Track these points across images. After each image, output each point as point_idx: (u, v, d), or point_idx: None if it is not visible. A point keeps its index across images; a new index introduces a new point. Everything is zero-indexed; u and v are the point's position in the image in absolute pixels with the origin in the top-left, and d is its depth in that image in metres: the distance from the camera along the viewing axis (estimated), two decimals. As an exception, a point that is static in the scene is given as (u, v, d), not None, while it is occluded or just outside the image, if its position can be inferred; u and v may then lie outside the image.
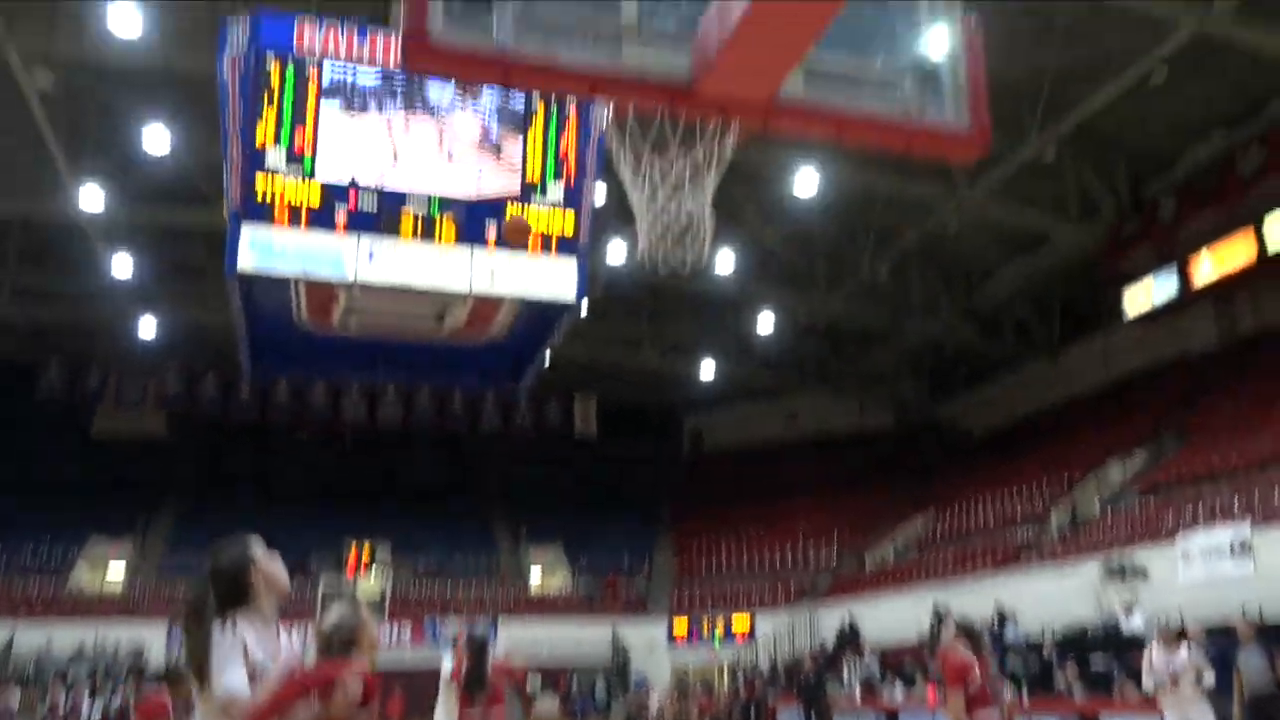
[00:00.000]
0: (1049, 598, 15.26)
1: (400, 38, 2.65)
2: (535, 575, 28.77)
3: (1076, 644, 12.80)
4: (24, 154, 15.77)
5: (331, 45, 7.96)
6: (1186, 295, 17.99)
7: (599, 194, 10.30)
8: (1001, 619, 15.31)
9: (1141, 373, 21.89)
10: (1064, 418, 23.04)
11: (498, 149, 8.58)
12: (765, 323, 24.03)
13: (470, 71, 2.71)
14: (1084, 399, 23.16)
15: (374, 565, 25.61)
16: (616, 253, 18.66)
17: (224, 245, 8.31)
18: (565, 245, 8.89)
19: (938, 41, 3.28)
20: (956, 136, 3.33)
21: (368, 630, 2.87)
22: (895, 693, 15.08)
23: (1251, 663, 7.21)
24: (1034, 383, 24.93)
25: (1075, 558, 15.97)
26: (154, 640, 20.90)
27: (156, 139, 15.20)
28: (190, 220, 18.17)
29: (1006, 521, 20.03)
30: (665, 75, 2.89)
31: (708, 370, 26.77)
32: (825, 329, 26.18)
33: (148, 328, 22.88)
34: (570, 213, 8.61)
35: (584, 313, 9.79)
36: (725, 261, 19.93)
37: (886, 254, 20.34)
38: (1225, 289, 18.12)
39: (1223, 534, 13.24)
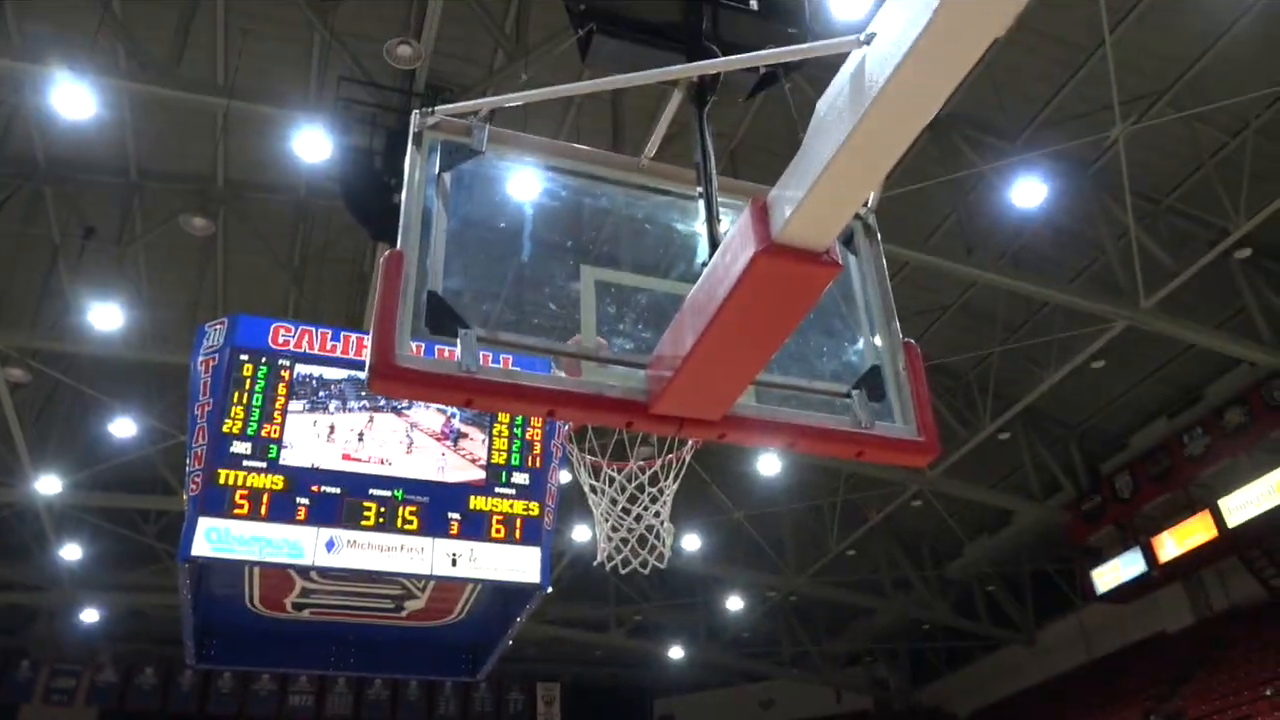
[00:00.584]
0: None
1: (367, 363, 2.76)
2: None
3: None
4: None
5: (304, 345, 8.25)
6: (1155, 574, 18.06)
7: (564, 476, 10.40)
8: None
9: (1121, 652, 21.42)
10: (1048, 699, 22.20)
11: (462, 441, 8.71)
12: (735, 603, 23.56)
13: (434, 395, 2.79)
14: (1066, 679, 22.46)
15: None
16: (581, 533, 18.50)
17: (176, 530, 8.18)
18: (530, 533, 8.81)
19: (881, 360, 3.47)
20: (906, 445, 3.44)
21: None
22: None
23: None
24: (1015, 662, 24.22)
25: None
26: None
27: (122, 428, 15.34)
28: (145, 505, 17.99)
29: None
30: (621, 396, 3.00)
31: (677, 653, 25.83)
32: (796, 609, 25.64)
33: (88, 615, 21.95)
34: (535, 503, 8.58)
35: (548, 590, 9.50)
36: (691, 541, 19.80)
37: (853, 531, 20.34)
38: (1192, 568, 18.26)
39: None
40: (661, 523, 3.47)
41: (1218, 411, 16.47)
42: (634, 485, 3.28)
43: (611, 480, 3.28)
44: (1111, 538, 18.80)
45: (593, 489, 3.33)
